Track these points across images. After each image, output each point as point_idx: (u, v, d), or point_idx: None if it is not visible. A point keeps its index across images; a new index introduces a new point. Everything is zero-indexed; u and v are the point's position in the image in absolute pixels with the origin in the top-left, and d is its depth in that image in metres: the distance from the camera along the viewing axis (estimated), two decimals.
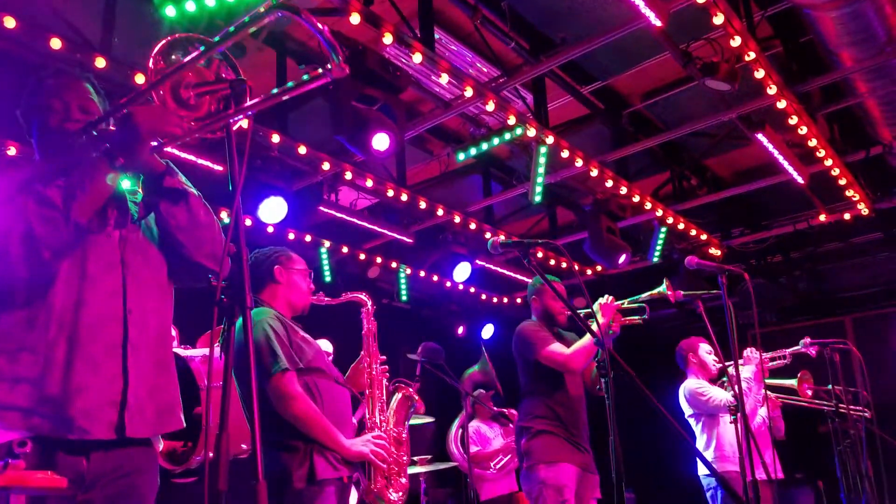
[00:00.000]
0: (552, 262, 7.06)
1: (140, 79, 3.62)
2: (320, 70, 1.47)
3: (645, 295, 3.83)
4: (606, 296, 3.76)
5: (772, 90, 4.31)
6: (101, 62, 3.63)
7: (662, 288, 3.77)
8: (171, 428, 1.89)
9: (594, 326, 3.66)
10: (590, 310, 3.74)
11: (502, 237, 2.67)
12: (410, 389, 2.98)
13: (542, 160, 4.98)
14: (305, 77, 1.55)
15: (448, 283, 7.03)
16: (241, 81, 1.64)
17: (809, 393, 5.03)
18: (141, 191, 1.97)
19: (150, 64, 1.70)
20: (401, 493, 2.68)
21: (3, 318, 1.71)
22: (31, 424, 1.63)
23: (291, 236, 6.06)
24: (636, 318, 3.82)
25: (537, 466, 3.76)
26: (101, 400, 1.71)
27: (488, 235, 6.34)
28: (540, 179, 5.11)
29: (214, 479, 1.41)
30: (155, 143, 1.76)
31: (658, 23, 3.71)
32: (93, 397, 1.70)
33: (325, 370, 2.67)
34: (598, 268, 7.26)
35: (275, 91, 1.60)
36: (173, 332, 3.60)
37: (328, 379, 2.65)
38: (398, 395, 2.92)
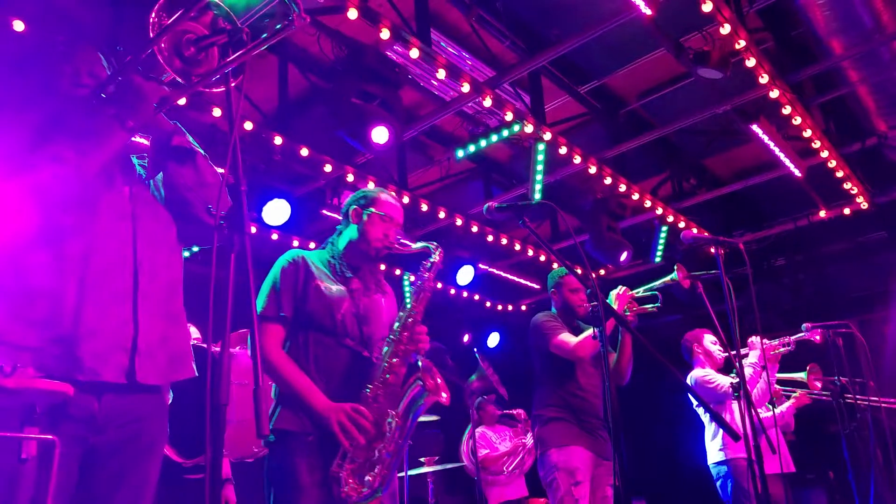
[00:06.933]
0: (554, 265, 7.08)
1: None
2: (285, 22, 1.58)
3: (658, 282, 3.86)
4: (620, 286, 3.82)
5: (764, 79, 4.39)
6: None
7: (674, 275, 3.80)
8: (182, 376, 1.93)
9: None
10: (605, 302, 3.79)
11: (496, 204, 2.69)
12: (428, 381, 2.44)
13: (540, 157, 5.05)
14: (278, 27, 1.63)
15: (452, 291, 7.06)
16: (238, 29, 1.71)
17: (819, 384, 5.01)
18: (147, 155, 2.05)
19: (153, 18, 1.77)
20: (364, 489, 2.26)
21: (21, 266, 1.77)
22: (41, 364, 1.67)
23: (296, 244, 6.13)
24: (650, 306, 3.83)
25: (549, 451, 3.77)
26: (111, 344, 1.75)
27: (490, 238, 6.40)
28: (539, 177, 5.18)
29: (216, 473, 1.39)
30: (157, 103, 1.84)
31: (648, 11, 3.81)
32: (103, 341, 1.74)
33: (329, 328, 2.45)
34: (602, 272, 7.29)
35: (255, 41, 1.67)
36: (195, 332, 3.65)
37: (330, 337, 2.45)
38: (416, 384, 2.42)
